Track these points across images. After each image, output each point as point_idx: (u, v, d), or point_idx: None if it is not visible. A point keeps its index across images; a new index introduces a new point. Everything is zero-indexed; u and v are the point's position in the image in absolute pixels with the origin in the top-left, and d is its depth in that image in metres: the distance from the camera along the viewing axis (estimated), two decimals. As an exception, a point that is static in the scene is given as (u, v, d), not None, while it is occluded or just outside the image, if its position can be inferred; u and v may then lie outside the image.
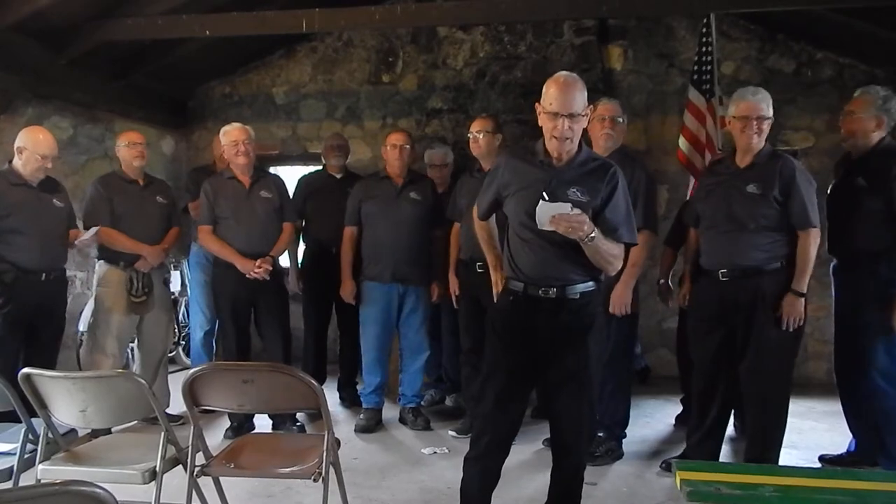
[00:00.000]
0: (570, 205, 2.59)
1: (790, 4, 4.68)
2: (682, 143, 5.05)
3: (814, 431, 4.54)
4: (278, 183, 4.60)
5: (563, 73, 2.77)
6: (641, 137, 5.97)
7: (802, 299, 3.45)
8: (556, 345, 2.75)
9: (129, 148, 4.45)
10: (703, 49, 5.05)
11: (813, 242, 3.44)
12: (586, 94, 2.72)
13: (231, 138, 4.35)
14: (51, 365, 4.01)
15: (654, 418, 4.83)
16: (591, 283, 2.77)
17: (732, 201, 3.53)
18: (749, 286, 3.50)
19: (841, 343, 3.85)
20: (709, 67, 5.03)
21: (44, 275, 4.09)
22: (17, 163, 4.05)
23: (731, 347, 3.65)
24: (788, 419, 4.65)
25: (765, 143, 3.57)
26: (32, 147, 4.02)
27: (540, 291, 2.74)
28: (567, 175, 2.73)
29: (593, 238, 2.59)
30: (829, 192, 3.86)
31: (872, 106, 3.61)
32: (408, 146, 4.58)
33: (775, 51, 5.87)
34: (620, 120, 3.97)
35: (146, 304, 4.47)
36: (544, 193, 2.65)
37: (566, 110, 2.64)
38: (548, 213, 2.58)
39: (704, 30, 5.07)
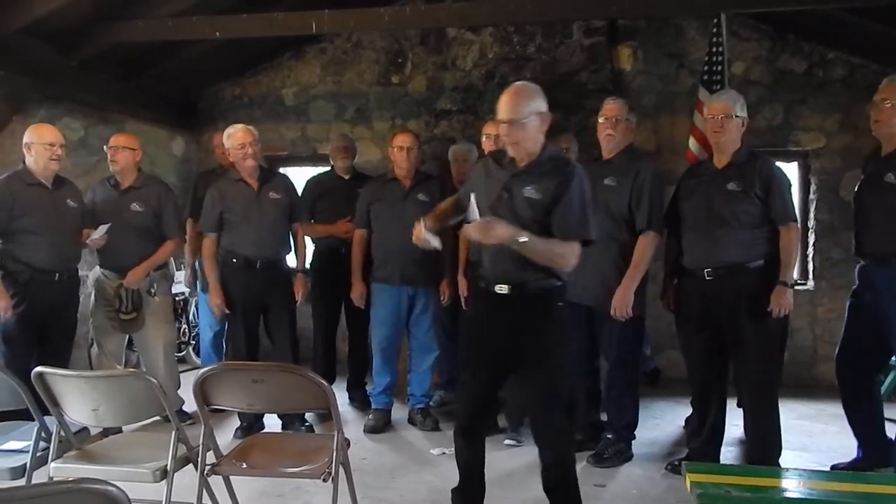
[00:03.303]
0: (478, 212, 2.72)
1: (801, 4, 4.65)
2: (692, 143, 5.02)
3: (825, 434, 4.52)
4: (286, 183, 4.59)
5: (517, 82, 2.96)
6: (651, 138, 5.96)
7: (790, 291, 3.53)
8: (516, 340, 2.87)
9: (109, 151, 4.45)
10: (714, 49, 5.03)
11: (794, 237, 3.57)
12: (535, 102, 2.84)
13: (237, 141, 4.32)
14: (63, 364, 4.03)
15: (664, 420, 4.82)
16: (549, 280, 2.86)
17: (713, 200, 3.62)
18: (732, 284, 3.57)
19: (852, 345, 3.73)
20: (719, 67, 5.00)
21: (57, 275, 4.11)
22: (30, 161, 4.08)
23: (719, 348, 3.69)
24: (798, 422, 4.69)
25: (741, 144, 3.66)
26: (38, 139, 4.04)
27: (496, 287, 2.88)
28: (525, 175, 2.88)
29: (523, 242, 2.70)
30: (856, 189, 3.73)
31: None
32: (415, 147, 4.58)
33: (786, 51, 5.84)
34: (626, 119, 3.93)
35: (136, 321, 4.45)
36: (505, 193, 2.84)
37: (503, 116, 2.83)
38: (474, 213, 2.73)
39: (715, 30, 5.04)
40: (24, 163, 4.11)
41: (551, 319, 2.87)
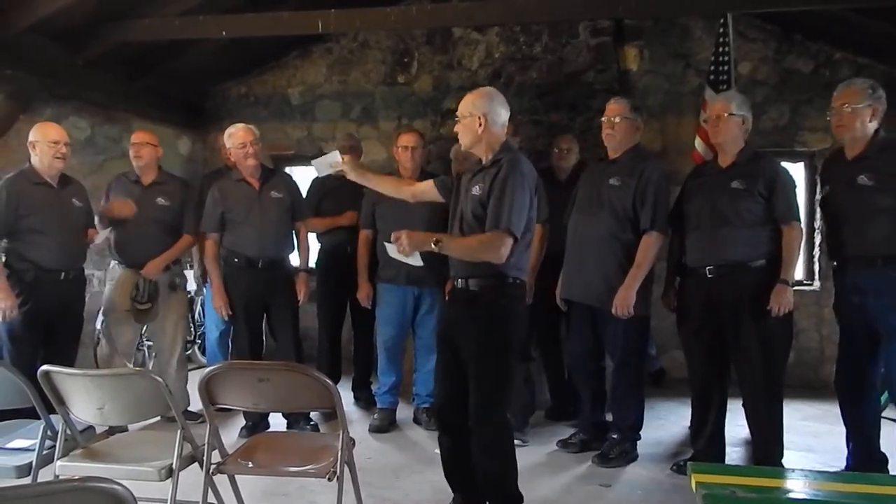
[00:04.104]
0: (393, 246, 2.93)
1: (807, 4, 4.64)
2: (698, 143, 5.02)
3: (830, 435, 4.50)
4: (288, 181, 4.60)
5: (484, 87, 3.20)
6: (657, 138, 5.95)
7: (790, 289, 3.51)
8: (463, 331, 3.04)
9: (130, 147, 4.52)
10: (720, 49, 5.02)
11: (797, 236, 3.56)
12: (485, 103, 3.03)
13: (238, 140, 4.33)
14: (69, 363, 4.04)
15: (668, 420, 4.81)
16: (497, 278, 2.98)
17: (717, 198, 3.62)
18: (735, 283, 3.57)
19: (849, 351, 3.63)
20: (725, 68, 5.00)
21: (63, 274, 4.11)
22: (35, 160, 4.08)
23: (720, 348, 3.67)
24: (804, 423, 4.67)
25: (745, 144, 3.66)
26: (42, 136, 4.04)
27: (457, 282, 3.09)
28: (478, 175, 3.06)
29: (440, 246, 2.89)
30: (824, 195, 3.68)
31: (864, 96, 3.39)
32: (419, 147, 4.57)
33: (792, 51, 5.83)
34: (627, 119, 3.90)
35: (150, 312, 4.47)
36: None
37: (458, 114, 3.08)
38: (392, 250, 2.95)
39: (721, 30, 5.03)
40: (29, 162, 4.12)
41: (493, 315, 2.98)
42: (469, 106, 3.04)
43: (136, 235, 4.39)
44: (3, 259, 4.00)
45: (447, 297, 3.23)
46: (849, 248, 3.50)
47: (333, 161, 3.01)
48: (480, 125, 3.01)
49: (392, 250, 2.98)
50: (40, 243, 4.02)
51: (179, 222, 4.56)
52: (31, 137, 4.08)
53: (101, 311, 4.64)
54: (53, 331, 4.14)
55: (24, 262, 4.01)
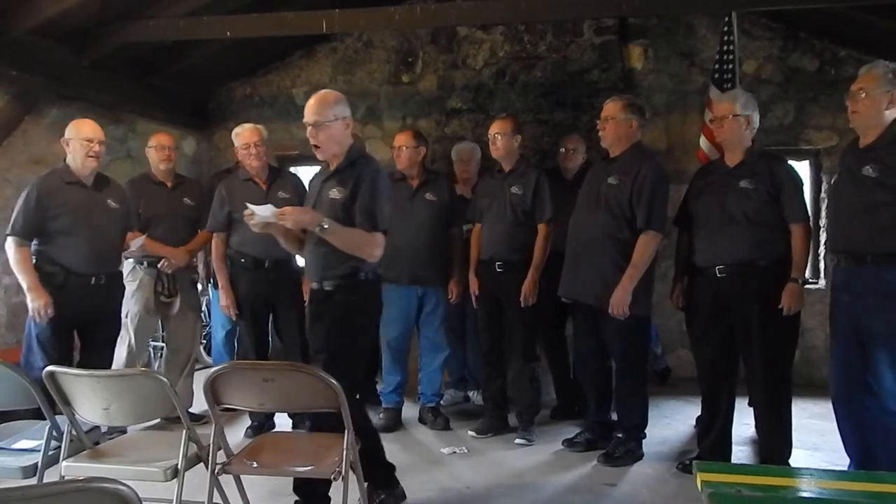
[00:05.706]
0: (270, 206, 3.04)
1: (812, 2, 4.63)
2: (703, 142, 5.01)
3: (835, 434, 4.45)
4: (295, 182, 4.60)
5: (322, 90, 3.21)
6: (662, 136, 5.94)
7: (801, 288, 3.52)
8: (316, 326, 3.17)
9: (157, 151, 4.55)
10: (725, 47, 5.01)
11: (806, 235, 3.55)
12: (339, 107, 3.10)
13: (243, 140, 4.34)
14: (106, 366, 3.98)
15: (674, 419, 4.80)
16: (347, 277, 3.09)
17: (725, 198, 3.61)
18: (744, 282, 3.55)
19: (840, 354, 3.38)
20: (730, 66, 4.99)
21: (93, 279, 3.92)
22: (69, 158, 3.94)
23: (730, 347, 3.66)
24: (810, 421, 4.65)
25: (752, 143, 3.65)
26: (76, 134, 3.90)
27: (313, 284, 3.19)
28: (333, 177, 3.14)
29: (326, 228, 2.96)
30: (832, 182, 3.52)
31: (882, 81, 3.18)
32: (412, 147, 4.55)
33: (797, 49, 5.81)
34: (621, 119, 3.86)
35: (171, 305, 4.50)
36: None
37: (308, 119, 3.09)
38: (261, 213, 3.01)
39: (726, 28, 5.02)
40: (64, 160, 3.98)
41: (346, 307, 3.10)
42: (332, 109, 3.07)
43: (170, 236, 4.47)
44: (35, 261, 3.84)
45: (307, 301, 3.32)
46: (842, 242, 3.36)
47: (270, 213, 3.05)
48: (348, 128, 3.13)
49: (258, 215, 3.02)
50: (70, 245, 3.85)
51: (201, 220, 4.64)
52: (65, 135, 3.93)
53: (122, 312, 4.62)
54: (87, 333, 4.02)
55: (54, 266, 3.84)
